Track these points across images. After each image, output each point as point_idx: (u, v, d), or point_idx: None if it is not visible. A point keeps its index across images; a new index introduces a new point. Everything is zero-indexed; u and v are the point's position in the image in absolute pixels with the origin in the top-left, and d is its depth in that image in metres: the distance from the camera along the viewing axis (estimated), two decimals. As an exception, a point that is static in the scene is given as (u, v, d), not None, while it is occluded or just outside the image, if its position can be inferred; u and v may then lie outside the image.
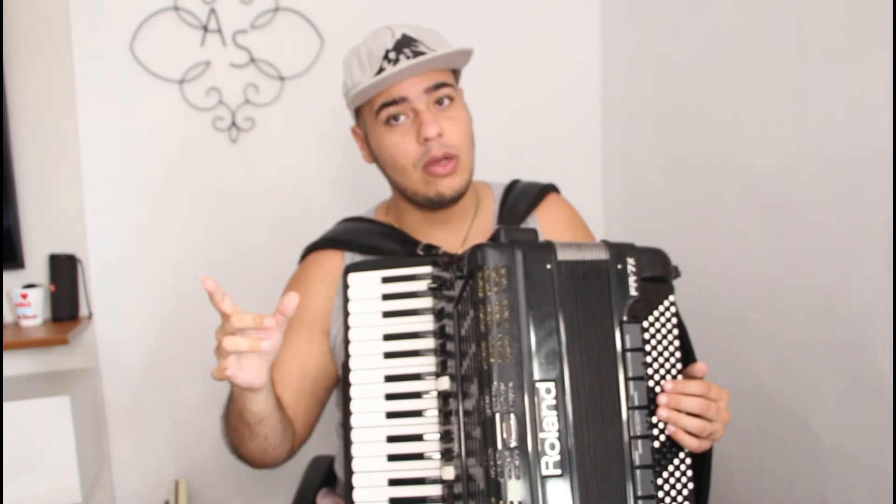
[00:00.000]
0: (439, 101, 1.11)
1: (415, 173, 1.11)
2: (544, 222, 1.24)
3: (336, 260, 1.18)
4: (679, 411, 0.86)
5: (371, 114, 1.12)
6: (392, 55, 1.08)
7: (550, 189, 1.29)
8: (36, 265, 1.75)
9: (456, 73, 1.18)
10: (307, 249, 1.23)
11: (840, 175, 1.26)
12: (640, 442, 0.84)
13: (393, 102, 1.09)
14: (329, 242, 1.21)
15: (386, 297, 0.98)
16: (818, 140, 1.31)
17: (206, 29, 1.80)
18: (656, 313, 0.88)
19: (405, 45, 1.09)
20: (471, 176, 1.15)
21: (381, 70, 1.08)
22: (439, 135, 1.08)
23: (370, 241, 1.18)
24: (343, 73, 1.15)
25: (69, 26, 1.74)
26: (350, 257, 1.18)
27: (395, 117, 1.10)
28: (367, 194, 1.68)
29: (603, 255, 0.88)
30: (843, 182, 1.26)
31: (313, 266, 1.20)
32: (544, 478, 0.80)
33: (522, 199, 1.25)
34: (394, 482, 0.93)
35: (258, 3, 1.82)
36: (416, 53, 1.08)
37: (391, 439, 0.94)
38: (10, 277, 1.72)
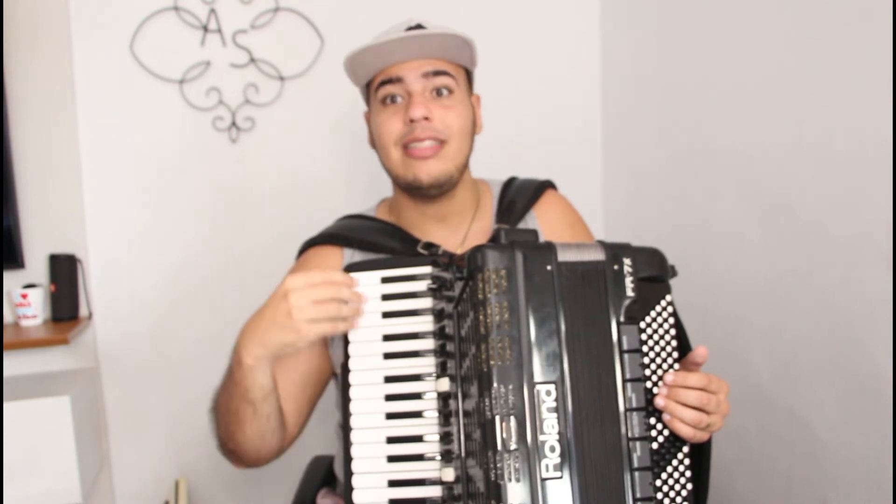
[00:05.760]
0: (439, 92, 1.11)
1: (395, 152, 1.11)
2: (542, 219, 1.24)
3: (336, 256, 1.18)
4: (678, 402, 0.86)
5: (373, 93, 1.14)
6: (394, 32, 1.09)
7: (548, 185, 1.29)
8: (36, 265, 1.75)
9: (469, 76, 1.19)
10: (306, 244, 1.22)
11: (840, 175, 1.26)
12: (638, 443, 0.83)
13: (389, 81, 1.11)
14: (329, 238, 1.20)
15: (385, 297, 0.98)
16: (818, 140, 1.31)
17: (206, 29, 1.80)
18: (653, 313, 0.88)
19: (411, 27, 1.11)
20: (456, 170, 1.12)
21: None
22: (425, 118, 1.08)
23: (370, 238, 1.17)
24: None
25: (69, 26, 1.74)
26: (349, 254, 1.17)
27: (392, 98, 1.11)
28: (368, 194, 1.68)
29: (600, 255, 0.88)
30: (842, 182, 1.26)
31: (313, 261, 1.19)
32: (544, 480, 0.80)
33: (520, 196, 1.24)
34: (393, 483, 0.93)
35: (258, 3, 1.82)
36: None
37: (391, 440, 0.94)
38: (10, 277, 1.72)
